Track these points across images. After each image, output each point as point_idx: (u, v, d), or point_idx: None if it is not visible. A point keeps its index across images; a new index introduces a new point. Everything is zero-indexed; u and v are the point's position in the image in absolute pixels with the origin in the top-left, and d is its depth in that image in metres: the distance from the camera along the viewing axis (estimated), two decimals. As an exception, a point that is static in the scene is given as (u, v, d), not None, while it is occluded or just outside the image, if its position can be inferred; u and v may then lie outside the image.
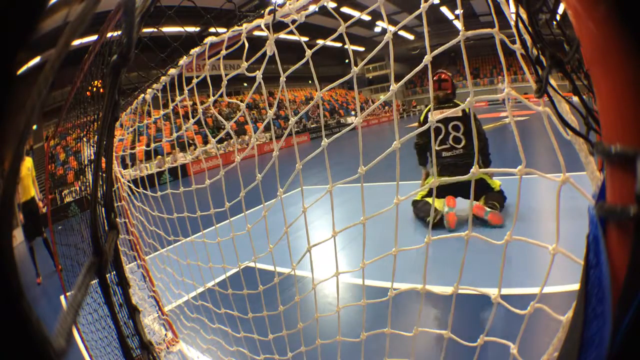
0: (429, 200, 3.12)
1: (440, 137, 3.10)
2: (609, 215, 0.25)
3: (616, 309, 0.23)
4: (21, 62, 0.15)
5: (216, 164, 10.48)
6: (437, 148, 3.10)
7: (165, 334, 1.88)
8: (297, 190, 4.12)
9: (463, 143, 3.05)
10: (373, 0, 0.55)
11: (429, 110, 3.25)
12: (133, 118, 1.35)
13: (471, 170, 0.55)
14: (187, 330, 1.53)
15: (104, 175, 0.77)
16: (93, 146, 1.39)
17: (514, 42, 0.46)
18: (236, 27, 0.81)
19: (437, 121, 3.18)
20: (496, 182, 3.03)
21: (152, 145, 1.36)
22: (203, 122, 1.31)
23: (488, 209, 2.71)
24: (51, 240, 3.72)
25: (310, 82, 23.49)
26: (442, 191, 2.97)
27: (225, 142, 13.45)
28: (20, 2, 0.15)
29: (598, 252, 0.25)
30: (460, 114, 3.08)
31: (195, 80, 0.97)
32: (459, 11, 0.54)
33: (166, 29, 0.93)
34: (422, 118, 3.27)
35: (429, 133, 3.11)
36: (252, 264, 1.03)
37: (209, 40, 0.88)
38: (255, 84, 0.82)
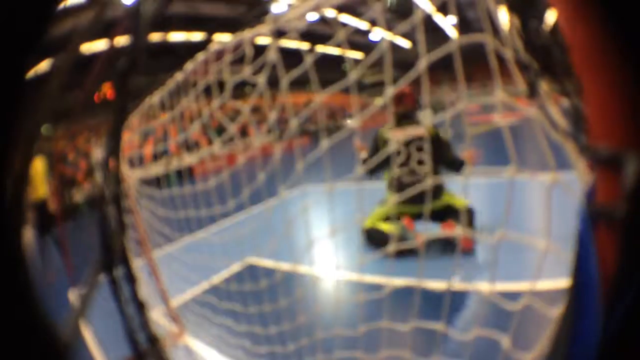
0: (382, 225, 2.55)
1: (400, 160, 2.60)
2: (598, 214, 0.26)
3: (606, 304, 0.24)
4: (31, 67, 0.16)
5: (220, 165, 10.51)
6: (397, 173, 2.63)
7: (171, 329, 1.91)
8: (297, 190, 4.13)
9: (428, 166, 2.58)
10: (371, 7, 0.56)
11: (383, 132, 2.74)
12: (141, 121, 1.38)
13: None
14: (193, 324, 1.56)
15: (113, 175, 0.80)
16: (102, 148, 1.43)
17: (506, 48, 0.48)
18: (240, 34, 0.84)
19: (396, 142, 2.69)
20: (462, 202, 2.58)
21: (159, 146, 1.39)
22: (208, 125, 1.34)
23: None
24: (61, 238, 3.79)
25: (310, 86, 23.38)
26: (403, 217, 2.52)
27: (229, 144, 13.47)
28: (30, 8, 0.16)
29: (588, 250, 0.26)
30: (422, 132, 2.62)
31: (201, 85, 1.00)
32: (452, 19, 0.55)
33: (173, 35, 0.96)
34: (379, 141, 2.73)
35: (385, 158, 2.61)
36: (254, 262, 1.05)
37: (214, 46, 0.91)
38: (258, 89, 0.84)
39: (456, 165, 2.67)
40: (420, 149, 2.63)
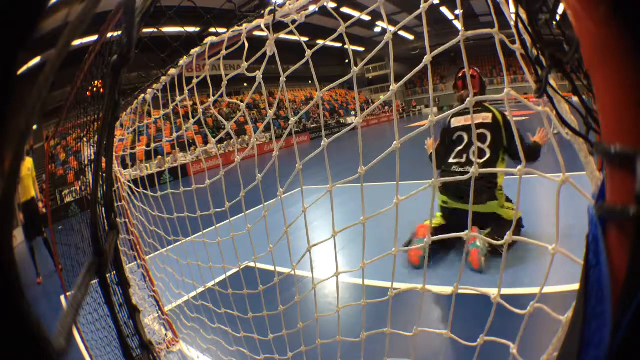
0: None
1: (460, 148, 2.45)
2: (609, 215, 0.25)
3: (616, 309, 0.23)
4: (22, 62, 0.15)
5: (216, 164, 10.49)
6: (452, 161, 2.47)
7: (166, 334, 1.88)
8: (297, 190, 4.12)
9: (487, 157, 2.34)
10: (373, 1, 0.55)
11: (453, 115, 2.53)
12: (133, 118, 1.35)
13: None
14: (187, 330, 1.53)
15: (104, 175, 0.77)
16: (93, 146, 1.39)
17: (513, 42, 0.46)
18: (236, 28, 0.81)
19: (459, 129, 2.50)
20: (511, 213, 2.33)
21: (152, 145, 1.36)
22: (203, 122, 1.32)
23: (474, 247, 2.03)
24: (51, 240, 3.72)
25: (310, 82, 23.50)
26: (447, 218, 2.44)
27: (225, 142, 13.46)
28: (20, 2, 0.15)
29: (598, 252, 0.25)
30: (489, 120, 2.41)
31: (195, 81, 0.97)
32: (459, 11, 0.54)
33: (166, 29, 0.93)
34: (446, 130, 2.60)
35: (451, 143, 2.52)
36: (252, 264, 1.03)
37: (209, 40, 0.88)
38: (256, 84, 0.82)
39: (530, 155, 2.31)
40: (482, 139, 2.39)
